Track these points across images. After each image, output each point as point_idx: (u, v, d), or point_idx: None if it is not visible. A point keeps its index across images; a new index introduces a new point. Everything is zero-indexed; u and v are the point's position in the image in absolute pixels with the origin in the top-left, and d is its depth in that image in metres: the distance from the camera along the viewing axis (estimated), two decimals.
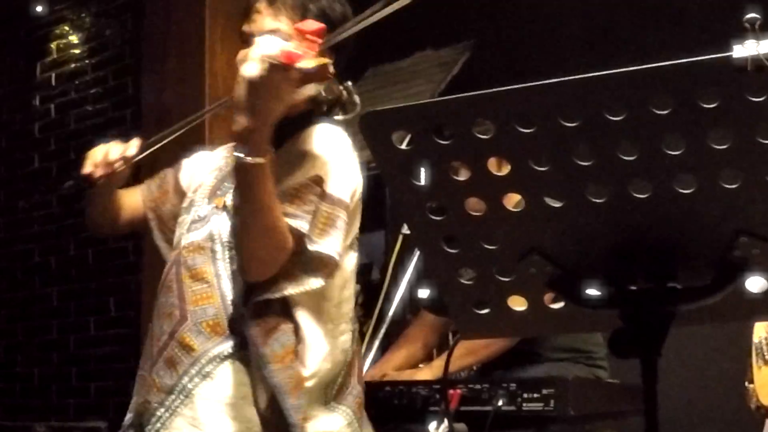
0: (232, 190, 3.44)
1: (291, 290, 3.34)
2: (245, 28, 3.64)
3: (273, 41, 3.15)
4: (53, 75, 8.75)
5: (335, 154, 3.41)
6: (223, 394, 3.35)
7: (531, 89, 2.00)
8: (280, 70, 3.07)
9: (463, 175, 2.16)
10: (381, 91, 7.22)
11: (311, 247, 3.29)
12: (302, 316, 3.43)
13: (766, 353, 5.08)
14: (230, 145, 3.67)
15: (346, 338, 3.54)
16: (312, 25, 3.17)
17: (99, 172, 3.42)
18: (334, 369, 3.48)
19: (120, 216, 3.76)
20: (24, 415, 8.00)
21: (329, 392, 3.48)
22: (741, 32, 1.88)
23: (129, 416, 3.52)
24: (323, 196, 3.35)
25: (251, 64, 3.09)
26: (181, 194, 3.75)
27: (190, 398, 3.35)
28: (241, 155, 3.12)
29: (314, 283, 3.35)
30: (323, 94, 3.49)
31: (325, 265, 3.34)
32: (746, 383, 5.15)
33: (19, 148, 8.85)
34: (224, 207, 3.50)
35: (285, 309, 3.38)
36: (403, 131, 2.13)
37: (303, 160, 3.39)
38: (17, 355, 8.81)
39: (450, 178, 2.16)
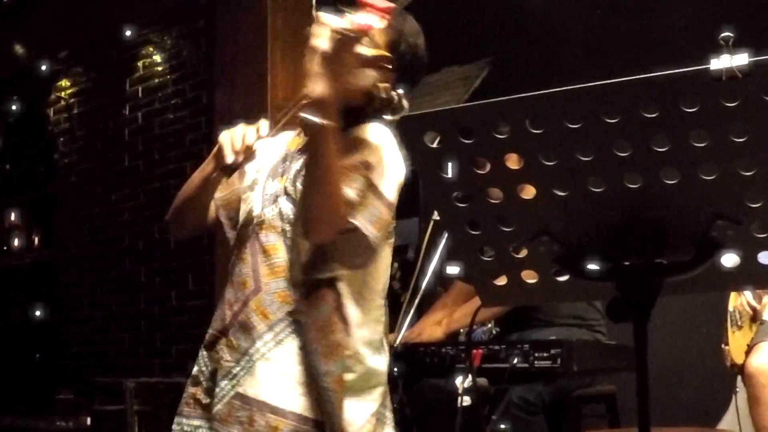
0: (293, 170, 3.37)
1: (340, 270, 3.28)
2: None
3: (339, 17, 2.98)
4: (140, 88, 8.76)
5: (385, 150, 3.26)
6: (290, 359, 3.28)
7: (540, 97, 2.01)
8: (347, 42, 2.93)
9: (484, 169, 2.16)
10: (412, 101, 7.20)
11: (352, 219, 3.15)
12: (344, 289, 3.33)
13: (738, 320, 5.07)
14: (291, 132, 3.58)
15: (380, 312, 3.44)
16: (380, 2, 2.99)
17: (240, 158, 3.26)
18: (371, 338, 3.38)
19: (208, 213, 3.59)
20: (117, 373, 8.02)
21: (364, 360, 3.34)
22: (717, 48, 1.87)
23: (200, 368, 3.45)
24: (370, 185, 3.22)
25: (322, 37, 2.94)
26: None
27: (263, 360, 3.27)
28: (312, 117, 2.96)
29: (359, 263, 3.30)
30: (379, 92, 3.33)
31: (364, 249, 3.26)
32: (722, 345, 5.14)
33: (112, 149, 8.87)
34: (285, 191, 3.37)
35: (331, 283, 3.30)
36: (434, 132, 2.14)
37: (356, 149, 3.26)
38: (111, 322, 8.84)
39: (473, 171, 2.16)
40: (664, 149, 1.97)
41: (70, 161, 9.52)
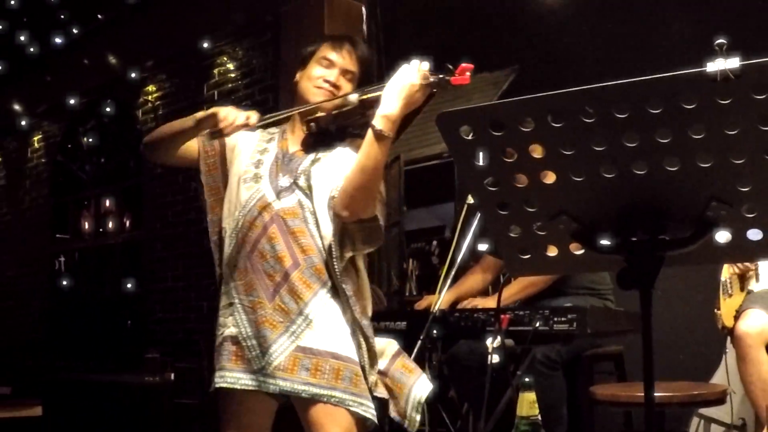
0: (300, 169, 3.55)
1: (360, 251, 3.56)
2: (333, 56, 3.71)
3: (427, 65, 3.33)
4: (215, 92, 8.78)
5: None
6: (336, 317, 3.46)
7: (560, 95, 2.01)
8: (426, 86, 3.30)
9: (511, 158, 2.16)
10: (448, 104, 7.20)
11: (377, 213, 3.49)
12: (358, 264, 3.62)
13: (729, 289, 5.06)
14: (273, 133, 3.79)
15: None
16: (467, 65, 3.33)
17: (228, 130, 3.44)
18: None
19: (177, 152, 3.73)
20: (196, 335, 8.08)
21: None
22: (712, 53, 1.87)
23: (239, 330, 3.51)
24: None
25: (415, 75, 3.30)
26: (222, 154, 3.75)
27: (318, 319, 3.41)
28: (382, 129, 3.29)
29: (374, 244, 3.57)
30: None
31: (376, 237, 3.53)
32: (715, 310, 5.14)
33: None
34: (298, 185, 3.55)
35: (352, 259, 3.55)
36: (469, 126, 2.14)
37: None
38: (191, 292, 8.89)
39: (502, 160, 2.16)
40: (666, 141, 1.97)
41: None
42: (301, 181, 3.54)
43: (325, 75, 3.66)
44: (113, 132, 10.41)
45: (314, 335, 3.39)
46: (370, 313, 3.61)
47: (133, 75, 9.62)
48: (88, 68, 10.16)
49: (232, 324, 3.54)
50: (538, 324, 4.36)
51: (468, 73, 3.31)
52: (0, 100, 11.40)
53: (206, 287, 8.62)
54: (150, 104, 9.72)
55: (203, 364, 6.88)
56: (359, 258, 3.61)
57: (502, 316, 4.39)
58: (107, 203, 10.79)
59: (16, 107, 11.28)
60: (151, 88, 9.72)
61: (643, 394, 2.21)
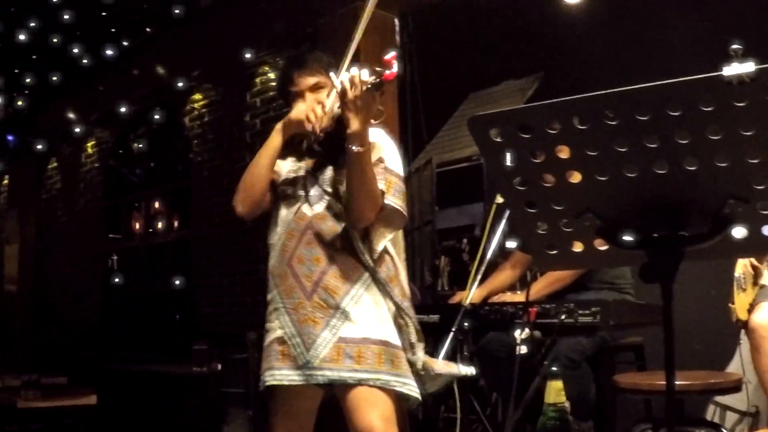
0: (325, 180, 3.66)
1: (389, 236, 3.64)
2: (292, 89, 3.78)
3: (362, 72, 3.36)
4: (258, 100, 8.80)
5: (385, 144, 3.70)
6: (373, 306, 3.56)
7: (586, 99, 2.01)
8: (368, 92, 3.34)
9: (539, 159, 2.16)
10: (478, 109, 7.19)
11: (386, 201, 3.56)
12: (392, 250, 3.71)
13: (743, 283, 5.05)
14: (293, 159, 3.83)
15: (404, 263, 3.82)
16: (389, 55, 3.32)
17: (318, 127, 3.56)
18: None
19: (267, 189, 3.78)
20: (240, 328, 8.10)
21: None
22: (728, 58, 1.87)
23: (284, 331, 3.60)
24: (387, 169, 3.62)
25: (355, 90, 3.34)
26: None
27: (354, 310, 3.52)
28: (354, 147, 3.38)
29: (398, 225, 3.68)
30: (378, 112, 3.62)
31: (398, 217, 3.62)
32: (729, 304, 5.12)
33: (236, 149, 8.93)
34: (325, 191, 3.65)
35: (385, 249, 3.64)
36: (499, 129, 2.14)
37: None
38: (236, 288, 8.89)
39: (530, 161, 2.16)
40: (685, 141, 1.97)
41: (202, 159, 9.59)
42: (328, 187, 3.65)
43: (303, 108, 3.69)
44: (162, 138, 10.45)
45: (353, 326, 3.50)
46: (408, 295, 3.71)
47: (180, 84, 9.65)
48: (138, 78, 10.20)
49: (278, 327, 3.65)
50: (563, 317, 4.37)
51: (394, 62, 3.31)
52: (55, 109, 11.46)
53: (250, 283, 8.65)
54: (196, 111, 9.74)
55: (249, 355, 6.91)
56: (394, 247, 3.71)
57: (530, 309, 4.40)
58: (157, 205, 10.84)
59: (71, 115, 11.33)
60: (197, 96, 9.75)
61: (663, 382, 2.21)
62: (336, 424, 3.82)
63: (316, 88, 3.74)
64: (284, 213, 3.71)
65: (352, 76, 3.36)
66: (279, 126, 3.70)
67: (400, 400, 3.56)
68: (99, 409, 7.88)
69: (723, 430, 4.67)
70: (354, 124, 3.36)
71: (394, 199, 3.57)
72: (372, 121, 3.53)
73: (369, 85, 3.33)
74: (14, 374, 9.34)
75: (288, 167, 3.79)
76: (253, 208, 3.80)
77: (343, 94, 3.37)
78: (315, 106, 3.56)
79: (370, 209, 3.51)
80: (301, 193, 3.69)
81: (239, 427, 7.00)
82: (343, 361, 3.45)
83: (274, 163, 3.75)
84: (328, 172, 3.67)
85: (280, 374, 3.59)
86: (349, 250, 3.58)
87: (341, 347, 3.47)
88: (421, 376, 3.64)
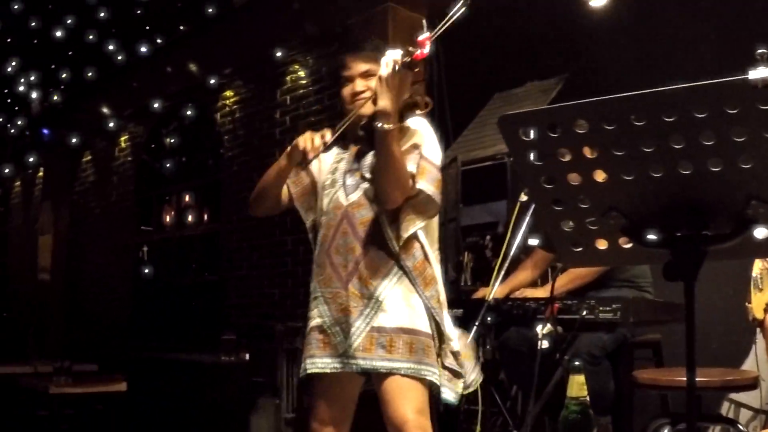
0: (365, 167, 3.65)
1: (419, 224, 3.56)
2: (346, 72, 3.79)
3: (396, 52, 3.39)
4: (288, 97, 8.82)
5: (425, 132, 3.63)
6: (405, 295, 3.52)
7: (612, 100, 2.01)
8: (403, 69, 3.35)
9: (565, 158, 2.17)
10: (503, 109, 7.18)
11: (418, 185, 3.51)
12: (423, 238, 3.63)
13: (759, 283, 5.03)
14: (340, 150, 3.87)
15: (438, 252, 3.73)
16: (423, 36, 3.35)
17: (311, 154, 3.54)
18: (439, 270, 3.70)
19: (281, 198, 3.87)
20: (269, 320, 8.12)
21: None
22: (754, 61, 1.87)
23: (323, 320, 3.61)
24: (422, 156, 3.55)
25: (388, 68, 3.37)
26: (311, 177, 3.86)
27: (387, 300, 3.50)
28: (381, 124, 3.37)
29: (430, 213, 3.60)
30: (416, 99, 3.72)
31: (431, 204, 3.56)
32: (746, 303, 5.11)
33: (266, 145, 8.95)
34: (363, 178, 3.64)
35: (415, 235, 3.58)
36: (527, 128, 2.15)
37: (406, 136, 3.59)
38: (264, 280, 8.92)
39: (557, 160, 2.17)
40: (710, 143, 1.97)
41: (233, 155, 9.62)
42: (367, 173, 3.63)
43: (351, 91, 3.75)
44: (193, 133, 10.49)
45: (385, 315, 3.49)
46: (440, 288, 3.65)
47: (212, 81, 9.69)
48: (171, 75, 10.23)
49: (317, 315, 3.65)
50: (584, 313, 4.37)
51: (427, 43, 3.36)
52: (90, 104, 11.52)
53: (278, 276, 8.68)
54: (227, 108, 9.78)
55: (277, 346, 6.94)
56: (426, 236, 3.65)
57: (552, 305, 4.40)
58: (187, 198, 10.89)
59: (105, 110, 11.39)
60: (228, 93, 9.78)
61: (681, 378, 2.21)
62: (369, 413, 3.82)
63: (367, 74, 3.71)
64: (325, 202, 3.71)
65: (387, 57, 3.39)
66: (288, 150, 3.70)
67: (435, 395, 3.54)
68: (129, 396, 7.92)
69: (739, 425, 4.65)
70: (382, 102, 3.37)
71: (429, 186, 3.52)
72: (417, 111, 3.63)
73: (400, 64, 3.34)
74: (46, 361, 9.40)
75: (332, 156, 3.82)
76: (263, 213, 3.99)
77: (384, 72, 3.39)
78: (315, 137, 3.56)
79: (397, 189, 3.46)
80: (339, 182, 3.70)
81: (266, 414, 7.03)
82: (376, 350, 3.44)
83: (280, 179, 3.81)
84: (368, 159, 3.65)
85: (322, 362, 3.59)
86: (384, 238, 3.56)
87: (374, 337, 3.46)
88: (451, 369, 3.60)
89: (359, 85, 3.72)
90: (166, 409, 8.84)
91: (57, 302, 12.93)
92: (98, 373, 9.50)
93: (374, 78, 3.63)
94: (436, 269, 3.66)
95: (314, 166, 3.83)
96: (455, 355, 3.62)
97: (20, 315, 13.33)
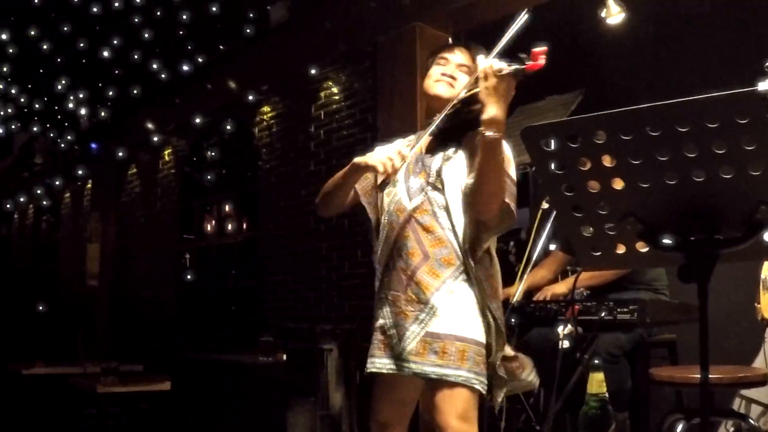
0: (433, 168, 3.52)
1: (495, 236, 3.52)
2: (447, 55, 3.70)
3: (500, 63, 3.18)
4: (322, 112, 8.83)
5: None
6: (462, 302, 3.41)
7: (629, 112, 2.02)
8: (508, 79, 3.15)
9: (585, 167, 2.17)
10: (525, 121, 7.17)
11: (506, 199, 3.33)
12: (493, 251, 3.56)
13: None
14: (404, 139, 3.79)
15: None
16: (539, 48, 3.16)
17: (393, 175, 3.39)
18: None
19: (347, 199, 3.77)
20: (304, 322, 8.14)
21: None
22: (762, 74, 1.88)
23: (385, 321, 3.54)
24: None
25: (493, 77, 3.16)
26: (375, 175, 3.70)
27: (443, 306, 3.39)
28: (490, 133, 3.16)
29: (508, 225, 3.44)
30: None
31: (509, 217, 3.40)
32: (756, 304, 5.10)
33: (302, 157, 8.96)
34: (428, 182, 3.53)
35: (488, 247, 3.51)
36: (548, 138, 2.16)
37: None
38: (300, 285, 8.93)
39: (577, 168, 2.18)
40: (722, 151, 1.97)
41: (270, 166, 9.64)
42: (433, 179, 3.52)
43: (442, 70, 3.66)
44: (233, 147, 10.51)
45: (440, 321, 3.37)
46: (500, 296, 3.56)
47: (250, 97, 9.71)
48: (211, 92, 10.29)
49: (380, 316, 3.58)
50: (603, 314, 4.36)
51: (542, 57, 3.15)
52: (135, 120, 11.58)
53: (313, 280, 8.68)
54: (265, 122, 9.80)
55: (314, 347, 6.95)
56: (492, 244, 3.55)
57: (572, 306, 4.40)
58: (227, 208, 10.91)
59: (149, 125, 11.44)
60: (266, 108, 9.80)
61: (696, 375, 2.21)
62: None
63: (462, 67, 3.65)
64: (386, 201, 3.63)
65: (487, 65, 3.20)
66: (354, 161, 3.56)
67: (482, 398, 3.44)
68: (172, 395, 7.95)
69: (750, 420, 4.64)
70: (491, 110, 3.15)
71: (510, 201, 3.35)
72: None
73: (506, 72, 3.14)
74: (95, 362, 9.47)
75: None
76: (329, 213, 3.91)
77: (483, 79, 3.19)
78: (395, 157, 3.37)
79: (496, 200, 3.32)
80: (401, 182, 3.58)
81: (302, 413, 7.04)
82: (428, 355, 3.34)
83: (348, 187, 3.70)
84: (436, 162, 3.53)
85: (380, 362, 3.53)
86: (447, 244, 3.45)
87: (427, 342, 3.36)
88: (500, 377, 3.49)
89: (452, 69, 3.65)
90: (207, 407, 8.86)
91: (105, 306, 13.01)
92: (143, 373, 9.56)
93: (464, 74, 3.60)
94: (499, 279, 3.57)
95: None
96: (512, 359, 3.53)
97: (70, 318, 13.40)
